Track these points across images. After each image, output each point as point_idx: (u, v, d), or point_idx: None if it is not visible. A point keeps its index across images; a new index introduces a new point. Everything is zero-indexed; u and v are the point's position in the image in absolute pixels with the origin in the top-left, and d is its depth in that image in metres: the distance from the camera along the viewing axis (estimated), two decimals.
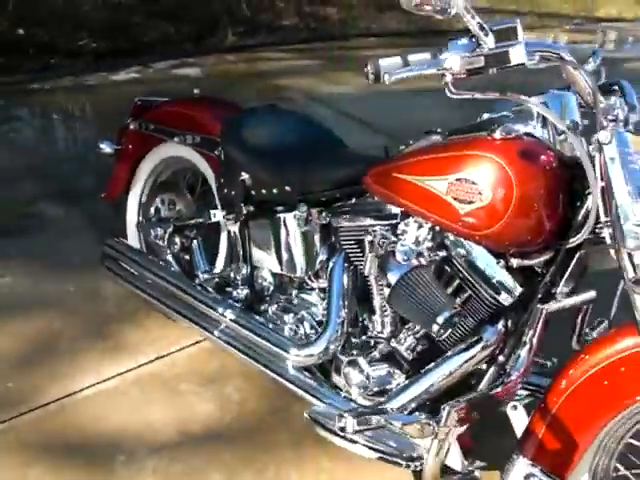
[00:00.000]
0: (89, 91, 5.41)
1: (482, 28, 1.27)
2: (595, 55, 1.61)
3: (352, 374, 1.79)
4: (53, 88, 5.45)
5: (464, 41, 1.32)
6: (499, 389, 1.57)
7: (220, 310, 2.09)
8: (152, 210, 2.60)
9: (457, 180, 1.54)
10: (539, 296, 1.56)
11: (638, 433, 1.55)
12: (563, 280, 1.56)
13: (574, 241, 1.51)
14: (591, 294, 1.56)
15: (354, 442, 1.59)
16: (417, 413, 1.58)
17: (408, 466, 1.53)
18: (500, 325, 1.63)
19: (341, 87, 5.43)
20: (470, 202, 1.53)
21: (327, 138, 2.10)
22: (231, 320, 2.06)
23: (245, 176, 2.03)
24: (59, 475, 2.01)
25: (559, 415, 1.53)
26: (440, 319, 1.56)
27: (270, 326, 2.02)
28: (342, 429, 1.40)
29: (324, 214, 1.96)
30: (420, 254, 1.67)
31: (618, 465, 1.59)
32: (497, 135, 1.51)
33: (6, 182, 3.80)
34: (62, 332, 2.62)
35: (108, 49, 6.04)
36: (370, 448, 1.58)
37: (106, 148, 2.61)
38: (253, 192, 2.05)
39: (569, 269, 1.55)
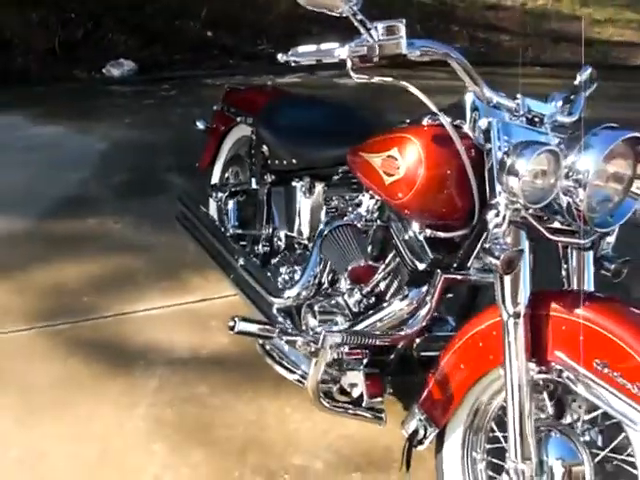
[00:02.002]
0: None
1: (364, 24, 1.57)
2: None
3: (308, 317, 2.12)
4: (222, 84, 6.16)
5: (359, 36, 1.61)
6: (395, 337, 1.83)
7: (235, 258, 2.49)
8: (225, 178, 3.07)
9: (387, 157, 1.83)
10: (447, 264, 1.80)
11: None
12: (473, 255, 1.78)
13: (476, 221, 1.73)
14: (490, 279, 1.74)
15: (268, 354, 1.94)
16: (304, 333, 1.89)
17: (300, 381, 1.84)
18: (420, 286, 1.88)
19: None
20: (392, 175, 1.81)
21: (343, 125, 2.42)
22: (241, 266, 2.46)
23: (265, 149, 2.43)
24: (91, 366, 2.53)
25: (442, 372, 1.76)
26: (349, 267, 1.85)
27: (267, 275, 2.39)
28: (231, 327, 1.74)
29: (322, 186, 2.30)
30: (366, 219, 1.97)
31: (494, 426, 1.78)
32: (423, 122, 1.79)
33: (150, 153, 4.50)
34: (138, 268, 3.18)
35: None
36: (277, 362, 1.92)
37: (200, 125, 3.12)
38: (269, 162, 2.44)
39: (478, 246, 1.77)
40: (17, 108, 5.57)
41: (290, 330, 1.92)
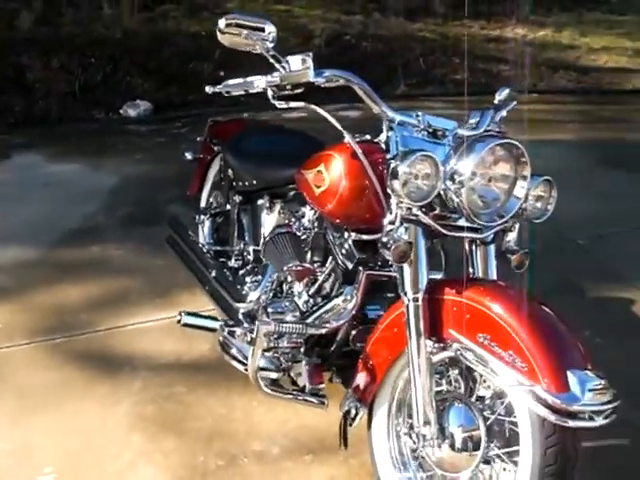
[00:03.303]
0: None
1: (277, 59, 1.85)
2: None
3: (263, 316, 2.37)
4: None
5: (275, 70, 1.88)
6: (325, 327, 2.08)
7: (209, 271, 2.77)
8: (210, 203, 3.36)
9: (317, 172, 2.10)
10: (371, 263, 2.05)
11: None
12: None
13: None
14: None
15: (226, 351, 2.20)
16: (245, 325, 2.15)
17: (245, 368, 2.11)
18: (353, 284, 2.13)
19: None
20: (320, 187, 2.08)
21: (298, 149, 2.68)
22: (213, 278, 2.74)
23: (230, 172, 2.73)
24: (83, 372, 2.81)
25: (367, 356, 2.00)
26: (285, 267, 2.12)
27: (235, 284, 2.65)
28: (178, 320, 2.01)
29: (280, 203, 2.58)
30: (305, 227, 2.24)
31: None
32: (346, 140, 2.05)
33: (156, 186, 4.82)
34: (133, 288, 3.47)
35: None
36: (232, 357, 2.18)
37: (188, 156, 3.43)
38: (235, 184, 2.73)
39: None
40: (37, 148, 5.97)
41: (231, 323, 2.19)
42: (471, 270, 1.95)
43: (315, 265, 2.29)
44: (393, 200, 1.78)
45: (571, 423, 1.55)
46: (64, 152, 5.84)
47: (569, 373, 1.58)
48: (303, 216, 2.33)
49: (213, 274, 2.74)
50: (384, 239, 1.79)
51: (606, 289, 3.38)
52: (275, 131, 2.96)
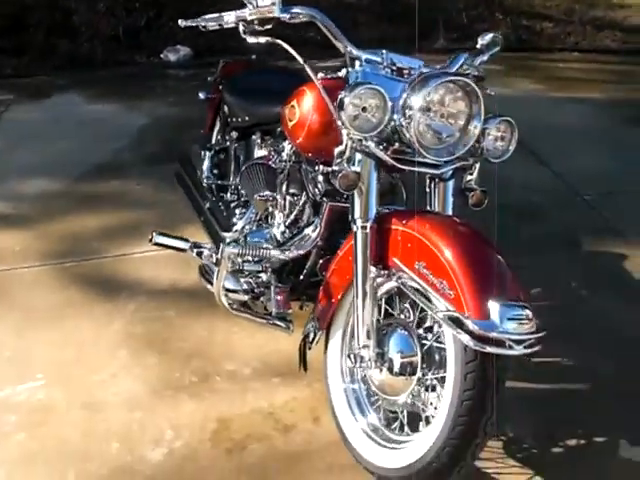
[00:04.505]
0: None
1: None
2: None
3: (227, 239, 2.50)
4: None
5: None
6: (289, 252, 2.20)
7: (204, 203, 2.91)
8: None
9: (291, 106, 2.19)
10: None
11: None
12: None
13: None
14: None
15: (203, 277, 2.35)
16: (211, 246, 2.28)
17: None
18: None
19: (504, 89, 5.84)
20: (292, 120, 2.17)
21: (292, 87, 2.77)
22: (207, 209, 2.87)
23: (226, 109, 2.83)
24: (86, 294, 3.00)
25: (326, 283, 2.11)
26: (256, 196, 2.23)
27: (225, 215, 2.78)
28: (150, 239, 2.15)
29: (270, 138, 2.68)
30: (282, 160, 2.34)
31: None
32: (319, 76, 2.12)
33: (183, 126, 4.96)
34: (145, 220, 3.61)
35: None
36: (208, 281, 2.32)
37: (201, 96, 3.53)
38: (230, 121, 2.83)
39: None
40: (78, 89, 6.17)
41: (199, 244, 2.31)
42: (428, 206, 2.03)
43: (293, 197, 2.40)
44: (344, 131, 1.86)
45: (489, 349, 1.63)
46: (103, 94, 6.02)
47: (492, 302, 1.65)
48: (283, 150, 2.42)
49: (207, 206, 2.87)
50: (334, 168, 1.88)
51: (601, 244, 3.39)
52: (273, 71, 3.04)
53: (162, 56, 7.09)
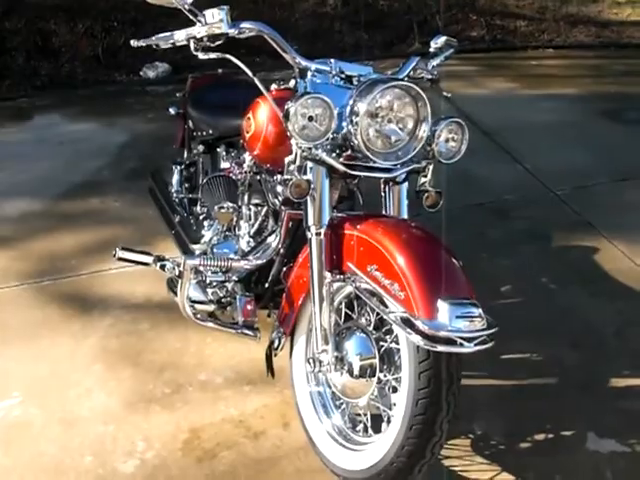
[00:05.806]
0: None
1: (194, 13, 1.96)
2: None
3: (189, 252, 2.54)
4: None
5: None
6: (250, 262, 2.24)
7: (175, 217, 2.95)
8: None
9: (247, 118, 2.24)
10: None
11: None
12: None
13: None
14: None
15: (171, 289, 2.39)
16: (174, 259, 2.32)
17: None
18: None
19: (478, 89, 5.90)
20: (248, 132, 2.22)
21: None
22: (178, 222, 2.91)
23: (190, 123, 2.88)
24: (63, 311, 3.03)
25: (288, 289, 2.15)
26: (216, 208, 2.27)
27: (194, 227, 2.82)
28: (114, 255, 2.20)
29: (234, 150, 2.72)
30: (243, 172, 2.39)
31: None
32: (272, 87, 2.17)
33: (161, 142, 5.00)
34: (122, 236, 3.64)
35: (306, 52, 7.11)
36: (174, 293, 2.36)
37: (171, 111, 3.58)
38: (195, 135, 2.88)
39: None
40: (58, 109, 6.20)
41: (162, 257, 2.35)
42: (383, 210, 2.07)
43: (256, 207, 2.44)
44: (293, 141, 1.90)
45: (440, 348, 1.67)
46: (82, 113, 6.06)
47: (441, 301, 1.69)
48: (244, 161, 2.46)
49: (177, 219, 2.91)
50: (285, 177, 1.92)
51: (571, 238, 3.44)
52: (238, 84, 3.08)
53: (141, 73, 7.13)
